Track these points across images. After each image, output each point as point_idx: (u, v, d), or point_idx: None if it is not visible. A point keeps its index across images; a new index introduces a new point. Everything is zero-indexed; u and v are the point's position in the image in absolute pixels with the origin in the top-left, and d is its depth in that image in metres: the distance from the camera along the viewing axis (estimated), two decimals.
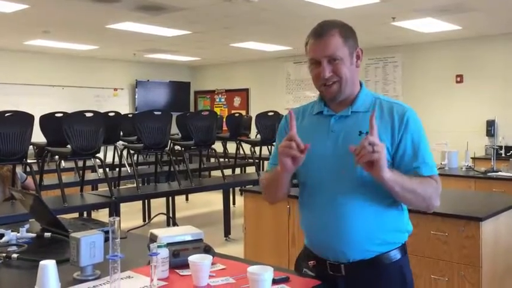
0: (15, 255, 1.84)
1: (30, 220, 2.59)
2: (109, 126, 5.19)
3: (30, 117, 4.18)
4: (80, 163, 5.58)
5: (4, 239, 2.10)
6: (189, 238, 1.78)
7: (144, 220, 6.84)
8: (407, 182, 1.58)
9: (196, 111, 10.58)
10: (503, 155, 6.51)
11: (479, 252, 2.93)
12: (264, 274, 1.45)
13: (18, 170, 4.65)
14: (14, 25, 6.59)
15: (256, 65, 10.38)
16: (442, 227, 3.06)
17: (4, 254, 1.86)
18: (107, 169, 5.40)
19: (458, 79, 7.86)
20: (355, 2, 5.36)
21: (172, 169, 5.84)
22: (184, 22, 6.43)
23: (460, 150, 5.83)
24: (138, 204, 6.85)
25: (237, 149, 7.50)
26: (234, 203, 7.72)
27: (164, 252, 1.63)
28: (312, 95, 8.81)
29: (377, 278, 1.66)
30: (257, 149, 7.21)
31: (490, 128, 7.31)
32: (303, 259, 1.81)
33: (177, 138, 7.04)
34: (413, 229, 1.77)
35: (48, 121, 5.17)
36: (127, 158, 6.67)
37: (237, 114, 7.68)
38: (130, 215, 6.66)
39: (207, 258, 1.59)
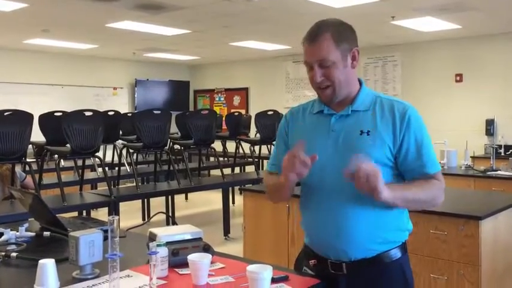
0: (14, 254, 1.84)
1: (29, 219, 2.58)
2: (108, 125, 5.18)
3: (30, 116, 4.17)
4: (80, 162, 5.59)
5: (3, 238, 2.10)
6: (188, 237, 1.78)
7: (144, 219, 6.85)
8: (408, 193, 1.61)
9: (195, 110, 10.58)
10: (502, 154, 6.53)
11: (479, 251, 2.93)
12: (263, 273, 1.46)
13: (18, 169, 4.65)
14: (13, 24, 6.58)
15: (255, 64, 10.38)
16: (441, 226, 3.07)
17: (3, 253, 1.86)
18: (106, 168, 5.40)
19: (458, 78, 7.86)
20: (354, 0, 5.36)
21: (171, 168, 5.84)
22: (183, 21, 6.43)
23: (459, 149, 5.83)
24: (138, 203, 6.85)
25: (237, 148, 7.51)
26: (233, 202, 7.72)
27: (163, 251, 1.63)
28: (311, 94, 8.77)
29: (378, 276, 1.67)
30: (256, 148, 7.22)
31: (490, 127, 7.31)
32: (303, 258, 1.82)
33: (176, 137, 7.05)
34: (412, 228, 1.77)
35: (48, 120, 5.18)
36: (126, 157, 6.66)
37: (236, 113, 7.69)
38: (130, 214, 6.66)
39: (207, 257, 1.59)
